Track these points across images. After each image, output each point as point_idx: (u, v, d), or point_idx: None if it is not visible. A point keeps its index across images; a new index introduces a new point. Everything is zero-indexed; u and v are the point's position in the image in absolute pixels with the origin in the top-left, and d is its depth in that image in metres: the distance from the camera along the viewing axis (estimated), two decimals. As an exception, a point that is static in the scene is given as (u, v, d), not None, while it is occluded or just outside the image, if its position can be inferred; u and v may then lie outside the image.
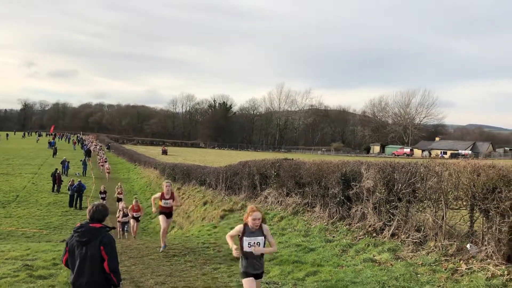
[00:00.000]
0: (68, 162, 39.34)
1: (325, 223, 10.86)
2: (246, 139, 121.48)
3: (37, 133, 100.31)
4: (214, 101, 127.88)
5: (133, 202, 17.21)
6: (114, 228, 4.71)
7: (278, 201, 13.84)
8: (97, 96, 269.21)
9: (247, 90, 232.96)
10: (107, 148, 68.32)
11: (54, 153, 50.06)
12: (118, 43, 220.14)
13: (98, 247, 4.23)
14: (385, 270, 7.42)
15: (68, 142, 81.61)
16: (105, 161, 43.87)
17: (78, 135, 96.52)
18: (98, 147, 66.32)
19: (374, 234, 9.16)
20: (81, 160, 42.47)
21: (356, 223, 9.94)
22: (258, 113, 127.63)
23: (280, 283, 7.36)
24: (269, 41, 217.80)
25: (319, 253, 9.08)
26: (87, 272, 4.22)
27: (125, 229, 17.23)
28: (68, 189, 26.39)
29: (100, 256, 4.24)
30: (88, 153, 52.82)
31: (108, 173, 38.34)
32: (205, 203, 18.78)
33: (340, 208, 10.73)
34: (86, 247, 4.24)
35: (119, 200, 22.32)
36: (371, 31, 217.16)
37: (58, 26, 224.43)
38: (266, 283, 7.29)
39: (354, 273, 7.55)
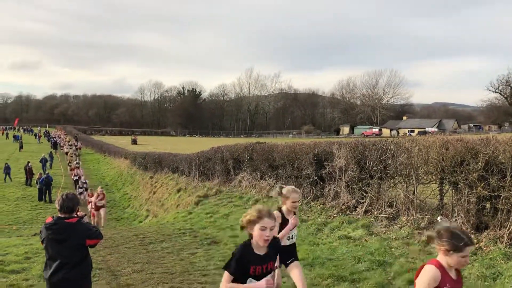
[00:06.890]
0: (46, 159, 35.55)
1: (300, 204, 10.96)
2: (217, 126, 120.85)
3: None
4: (183, 88, 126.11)
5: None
6: (85, 215, 4.57)
7: (252, 185, 13.88)
8: (63, 87, 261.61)
9: (216, 76, 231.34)
10: (75, 141, 58.06)
11: (20, 147, 48.70)
12: (76, 32, 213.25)
13: (80, 242, 4.12)
14: (360, 246, 7.58)
15: (30, 134, 79.70)
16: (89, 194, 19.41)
17: (45, 129, 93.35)
18: (73, 148, 49.14)
19: (348, 212, 9.32)
20: (48, 153, 41.20)
21: (330, 202, 10.08)
22: (228, 99, 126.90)
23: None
24: (236, 26, 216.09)
25: (295, 233, 9.18)
26: (63, 269, 4.06)
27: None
28: (36, 183, 25.77)
29: (79, 250, 4.13)
30: (54, 145, 51.63)
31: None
32: (178, 190, 18.66)
33: (314, 188, 10.85)
34: (63, 244, 4.06)
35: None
36: (337, 14, 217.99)
37: (14, 15, 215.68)
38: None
39: (330, 250, 7.69)
